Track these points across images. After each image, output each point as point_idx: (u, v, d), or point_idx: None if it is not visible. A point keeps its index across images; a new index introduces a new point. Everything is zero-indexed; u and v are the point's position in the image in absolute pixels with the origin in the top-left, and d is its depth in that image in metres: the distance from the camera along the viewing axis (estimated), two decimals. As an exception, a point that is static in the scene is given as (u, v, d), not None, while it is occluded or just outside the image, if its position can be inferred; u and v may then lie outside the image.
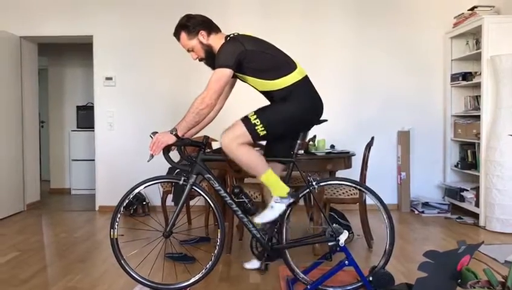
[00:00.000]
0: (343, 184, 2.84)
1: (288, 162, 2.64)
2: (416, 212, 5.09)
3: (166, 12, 5.24)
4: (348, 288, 2.64)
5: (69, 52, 6.77)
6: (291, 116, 2.51)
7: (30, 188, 5.56)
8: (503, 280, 1.58)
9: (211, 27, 2.58)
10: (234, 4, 5.29)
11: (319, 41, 5.29)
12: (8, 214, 5.06)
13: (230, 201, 2.58)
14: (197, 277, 2.60)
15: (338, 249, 2.54)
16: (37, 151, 5.82)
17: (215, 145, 3.77)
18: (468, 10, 4.84)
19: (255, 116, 2.46)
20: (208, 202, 2.65)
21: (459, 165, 5.07)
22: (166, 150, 2.49)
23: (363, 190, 2.74)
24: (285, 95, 2.52)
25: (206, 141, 2.61)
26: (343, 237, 2.53)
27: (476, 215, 4.57)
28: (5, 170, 5.03)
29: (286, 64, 2.54)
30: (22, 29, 5.34)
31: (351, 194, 3.61)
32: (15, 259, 3.44)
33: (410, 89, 5.31)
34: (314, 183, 2.61)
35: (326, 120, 2.65)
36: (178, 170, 3.60)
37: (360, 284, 2.59)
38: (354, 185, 2.76)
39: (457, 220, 4.69)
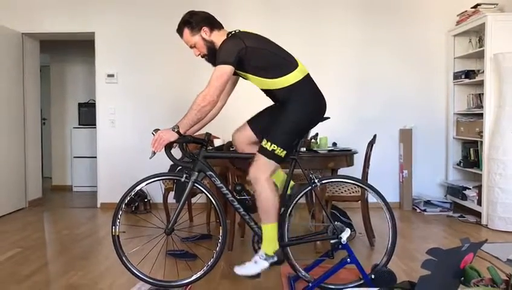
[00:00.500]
0: (345, 182, 2.83)
1: (290, 160, 2.64)
2: (418, 210, 5.08)
3: (169, 9, 5.23)
4: (350, 286, 2.63)
5: (71, 49, 6.76)
6: (298, 123, 2.51)
7: (32, 185, 5.57)
8: (507, 278, 1.57)
9: (213, 23, 2.57)
10: (236, 0, 5.28)
11: (321, 40, 5.28)
12: (10, 210, 5.07)
13: (232, 198, 2.57)
14: (198, 274, 2.60)
15: (340, 247, 2.54)
16: (38, 149, 5.83)
17: (217, 143, 3.77)
18: (472, 8, 4.82)
19: (269, 143, 2.46)
20: (210, 199, 2.65)
21: (462, 164, 5.06)
22: (168, 147, 2.48)
23: (365, 187, 2.74)
24: (286, 95, 2.50)
25: (208, 138, 2.61)
26: (345, 235, 2.53)
27: (478, 214, 4.56)
28: (7, 167, 5.04)
29: (287, 63, 2.53)
30: (23, 25, 5.34)
31: (353, 192, 3.61)
32: (17, 256, 3.44)
33: (412, 86, 5.30)
34: (316, 181, 2.61)
35: (328, 118, 2.64)
36: (180, 167, 3.60)
37: (361, 282, 2.58)
38: (356, 183, 2.75)
39: (460, 218, 4.68)
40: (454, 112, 5.21)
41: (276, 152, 2.45)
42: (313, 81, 2.60)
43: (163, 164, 3.31)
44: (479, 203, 4.55)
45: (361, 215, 3.70)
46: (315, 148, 3.63)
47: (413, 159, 5.25)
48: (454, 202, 5.05)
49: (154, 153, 2.43)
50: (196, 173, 2.56)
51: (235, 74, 2.52)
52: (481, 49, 4.61)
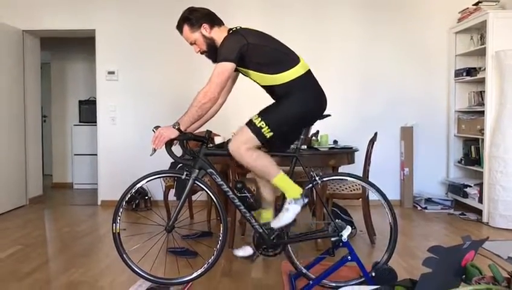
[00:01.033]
0: (346, 179, 2.82)
1: (291, 157, 2.63)
2: (419, 208, 5.08)
3: (169, 6, 5.22)
4: (351, 284, 2.62)
5: (72, 47, 6.76)
6: (295, 114, 2.49)
7: (32, 183, 5.57)
8: (509, 276, 1.56)
9: (213, 20, 2.56)
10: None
11: (323, 36, 5.26)
12: (11, 208, 5.07)
13: (232, 196, 2.56)
14: (199, 272, 2.59)
15: (341, 244, 2.53)
16: (39, 146, 5.83)
17: (217, 140, 3.76)
18: (473, 5, 4.80)
19: (259, 119, 2.44)
20: (210, 196, 2.64)
21: (463, 161, 5.05)
22: (169, 144, 2.47)
23: (366, 185, 2.73)
24: (287, 90, 2.49)
25: (209, 136, 2.60)
26: (346, 233, 2.52)
27: (479, 212, 4.55)
28: (8, 165, 5.04)
29: (289, 59, 2.52)
30: (24, 22, 5.34)
31: (354, 190, 3.60)
32: (17, 253, 3.44)
33: (413, 84, 5.28)
34: (317, 178, 2.60)
35: (329, 115, 2.63)
36: (180, 165, 3.59)
37: (362, 279, 2.57)
38: (357, 180, 2.74)
39: (461, 216, 4.67)
40: (456, 110, 5.19)
41: (262, 130, 2.43)
42: (314, 77, 2.58)
43: (164, 161, 3.31)
44: (480, 201, 4.54)
45: (362, 213, 3.70)
46: (316, 146, 3.62)
47: (414, 157, 5.24)
48: (455, 199, 5.05)
49: (154, 150, 2.43)
50: (197, 171, 2.55)
51: (235, 70, 2.51)
52: (483, 46, 4.60)
